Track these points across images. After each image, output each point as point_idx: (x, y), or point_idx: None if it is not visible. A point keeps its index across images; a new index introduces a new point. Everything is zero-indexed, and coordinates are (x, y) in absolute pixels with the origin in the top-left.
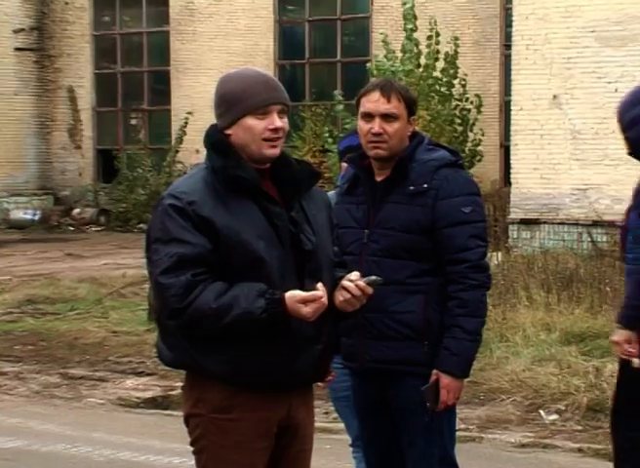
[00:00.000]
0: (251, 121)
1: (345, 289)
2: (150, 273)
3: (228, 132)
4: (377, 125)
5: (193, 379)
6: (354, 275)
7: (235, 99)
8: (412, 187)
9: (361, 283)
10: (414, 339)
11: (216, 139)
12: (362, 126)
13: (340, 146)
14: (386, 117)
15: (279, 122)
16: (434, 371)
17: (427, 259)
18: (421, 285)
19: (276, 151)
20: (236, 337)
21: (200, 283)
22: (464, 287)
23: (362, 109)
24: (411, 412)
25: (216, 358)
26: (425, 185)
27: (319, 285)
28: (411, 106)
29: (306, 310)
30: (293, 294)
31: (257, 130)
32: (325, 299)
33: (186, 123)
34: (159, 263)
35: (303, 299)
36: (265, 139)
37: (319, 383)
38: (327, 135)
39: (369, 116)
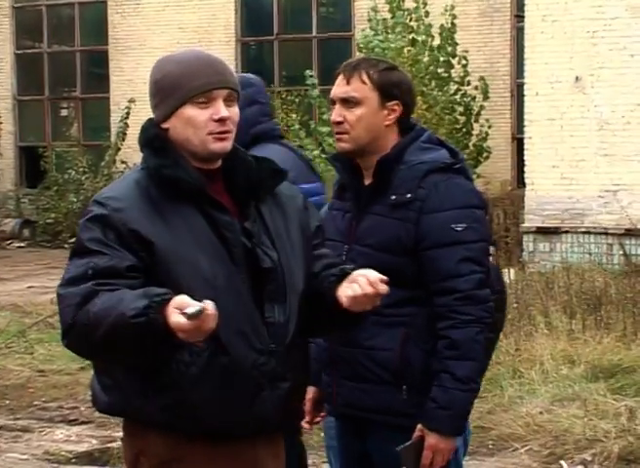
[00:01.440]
0: (191, 111)
1: (358, 284)
2: None
3: (165, 125)
4: (335, 112)
5: (134, 428)
6: (367, 270)
7: (171, 86)
8: (393, 196)
9: (373, 277)
10: (390, 383)
11: (150, 135)
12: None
13: None
14: (346, 101)
15: (225, 111)
16: (419, 427)
17: (411, 286)
18: (403, 316)
19: (225, 145)
20: (143, 362)
21: (101, 292)
22: (454, 323)
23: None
24: None
25: (156, 401)
26: (409, 195)
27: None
28: (386, 89)
29: (178, 320)
30: (178, 298)
31: (198, 121)
32: (212, 321)
33: (128, 113)
34: (65, 275)
35: (180, 304)
36: (210, 133)
37: (304, 424)
38: (297, 126)
39: (332, 102)
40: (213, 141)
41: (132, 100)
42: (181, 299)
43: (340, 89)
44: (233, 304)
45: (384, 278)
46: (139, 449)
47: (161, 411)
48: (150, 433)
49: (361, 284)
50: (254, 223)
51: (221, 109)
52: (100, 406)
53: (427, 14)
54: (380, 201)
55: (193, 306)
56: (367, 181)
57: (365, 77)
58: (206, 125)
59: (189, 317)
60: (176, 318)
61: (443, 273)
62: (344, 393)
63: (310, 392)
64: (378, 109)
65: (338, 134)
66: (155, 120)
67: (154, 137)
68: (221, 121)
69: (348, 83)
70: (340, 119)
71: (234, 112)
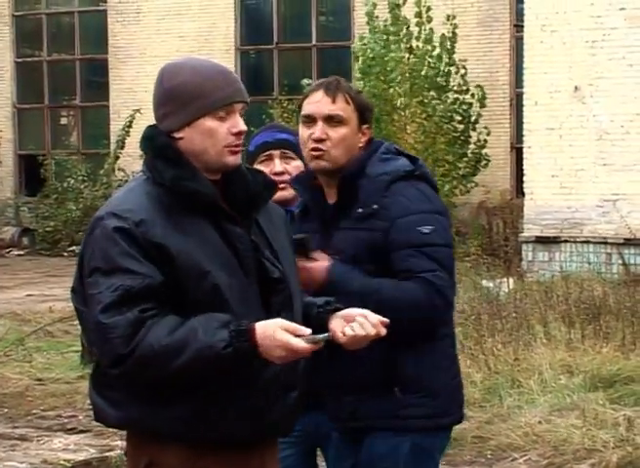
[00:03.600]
0: (211, 123)
1: (359, 324)
2: (82, 311)
3: (178, 135)
4: (318, 129)
5: (142, 439)
6: (365, 310)
7: (189, 96)
8: (360, 209)
9: (374, 318)
10: (380, 388)
11: (161, 144)
12: (302, 133)
13: (251, 146)
14: (330, 120)
15: (243, 124)
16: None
17: None
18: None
19: (238, 159)
20: (191, 384)
21: (149, 319)
22: (413, 282)
23: (303, 112)
24: None
25: (174, 413)
26: (375, 206)
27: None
28: (363, 112)
29: (298, 344)
30: (271, 324)
31: (218, 133)
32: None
33: (131, 122)
34: (100, 298)
35: (294, 330)
36: (228, 146)
37: None
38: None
39: (310, 119)
40: (228, 154)
41: (137, 110)
42: (288, 323)
43: (325, 106)
44: (248, 316)
45: (385, 320)
46: (149, 460)
47: (179, 423)
48: (162, 444)
49: (362, 324)
50: (256, 235)
51: (240, 123)
52: (109, 421)
53: (430, 19)
54: (346, 216)
55: (307, 332)
56: (330, 200)
57: (348, 97)
58: (225, 137)
59: (315, 342)
60: (294, 341)
61: (411, 269)
62: (336, 406)
63: None
64: (356, 131)
65: (316, 151)
66: (165, 128)
67: (166, 147)
68: (239, 134)
69: (334, 101)
70: (324, 136)
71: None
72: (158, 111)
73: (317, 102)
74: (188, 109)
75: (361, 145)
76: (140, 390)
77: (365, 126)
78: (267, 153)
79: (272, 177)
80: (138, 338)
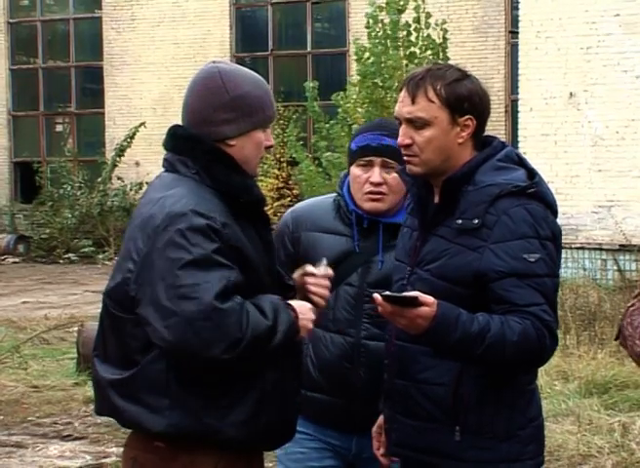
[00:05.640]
0: (260, 135)
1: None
2: (120, 316)
3: (232, 142)
4: (402, 133)
5: (176, 447)
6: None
7: (254, 107)
8: (460, 220)
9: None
10: (442, 422)
11: (213, 148)
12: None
13: (354, 144)
14: (412, 122)
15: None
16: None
17: None
18: None
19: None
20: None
21: (247, 305)
22: (521, 319)
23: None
24: None
25: (232, 418)
26: (476, 221)
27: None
28: (456, 105)
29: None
30: (299, 302)
31: (262, 146)
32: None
33: (134, 134)
34: (208, 287)
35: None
36: (261, 158)
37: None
38: (293, 137)
39: (398, 121)
40: (258, 165)
41: (142, 124)
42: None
43: (405, 108)
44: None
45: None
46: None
47: (236, 428)
48: (200, 451)
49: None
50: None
51: (271, 138)
52: (156, 428)
53: (428, 25)
54: (445, 223)
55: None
56: (437, 199)
57: (431, 94)
58: (263, 150)
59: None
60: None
61: (518, 303)
62: (398, 430)
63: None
64: (449, 128)
65: (407, 156)
66: (220, 134)
67: (221, 152)
68: (269, 148)
69: (414, 102)
70: (408, 141)
71: None
72: (217, 115)
73: (400, 102)
74: (250, 120)
75: (461, 141)
76: (199, 394)
77: (465, 117)
78: (368, 159)
79: (369, 187)
80: (247, 322)
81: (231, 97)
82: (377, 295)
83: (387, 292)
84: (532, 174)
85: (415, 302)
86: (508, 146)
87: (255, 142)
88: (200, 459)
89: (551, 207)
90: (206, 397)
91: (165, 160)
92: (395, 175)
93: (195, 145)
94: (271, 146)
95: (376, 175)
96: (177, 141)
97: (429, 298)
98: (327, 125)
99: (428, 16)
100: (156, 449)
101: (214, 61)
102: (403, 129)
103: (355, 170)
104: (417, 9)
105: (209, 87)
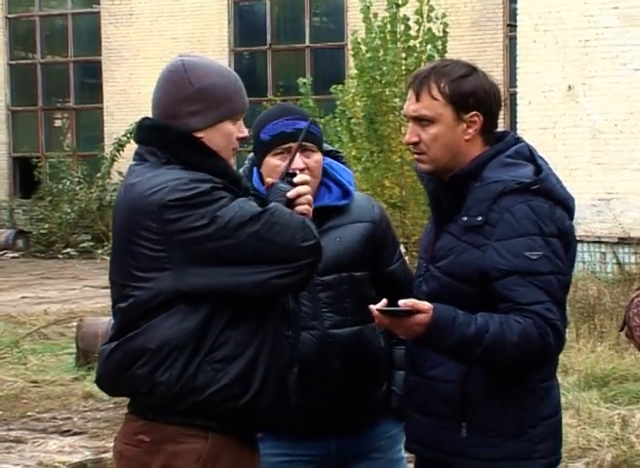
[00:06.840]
0: (229, 126)
1: None
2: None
3: (199, 134)
4: (409, 131)
5: (160, 441)
6: None
7: (220, 98)
8: (465, 217)
9: None
10: (450, 419)
11: (182, 135)
12: None
13: (264, 134)
14: (418, 120)
15: (246, 130)
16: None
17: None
18: None
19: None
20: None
21: None
22: (522, 318)
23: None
24: None
25: (228, 370)
26: (480, 218)
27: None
28: (460, 101)
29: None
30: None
31: (232, 137)
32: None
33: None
34: (250, 206)
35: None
36: (234, 149)
37: None
38: None
39: (406, 118)
40: (231, 157)
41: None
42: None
43: (411, 106)
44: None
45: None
46: (203, 457)
47: (232, 382)
48: (182, 443)
49: None
50: None
51: (245, 129)
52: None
53: (430, 19)
54: (455, 219)
55: None
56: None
57: (435, 91)
58: (234, 141)
59: None
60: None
61: (520, 301)
62: (412, 427)
63: None
64: (454, 125)
65: (415, 154)
66: (187, 126)
67: (190, 138)
68: (243, 139)
69: (418, 99)
70: (415, 139)
71: None
72: (182, 108)
73: (407, 100)
74: (217, 111)
75: (468, 137)
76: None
77: (471, 113)
78: (286, 146)
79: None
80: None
81: (195, 90)
82: (373, 308)
83: (384, 308)
84: (539, 170)
85: (411, 312)
86: (523, 142)
87: (223, 134)
88: (183, 451)
89: (561, 203)
90: (204, 354)
91: (135, 153)
92: (316, 157)
93: (162, 135)
94: (245, 138)
95: (297, 161)
96: (144, 133)
97: (425, 305)
98: (322, 120)
99: (431, 9)
100: (140, 443)
101: (180, 55)
102: (410, 126)
103: (272, 160)
104: (420, 1)
105: (173, 80)
